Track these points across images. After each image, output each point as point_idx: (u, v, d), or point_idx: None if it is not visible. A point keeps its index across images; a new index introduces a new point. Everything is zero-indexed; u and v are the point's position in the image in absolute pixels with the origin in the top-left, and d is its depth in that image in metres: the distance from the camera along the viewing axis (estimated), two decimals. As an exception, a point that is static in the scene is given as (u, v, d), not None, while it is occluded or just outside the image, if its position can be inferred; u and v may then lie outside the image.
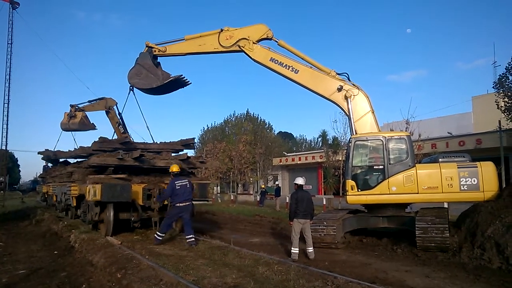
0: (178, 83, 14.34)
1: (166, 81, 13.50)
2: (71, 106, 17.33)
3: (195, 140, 13.39)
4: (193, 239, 9.80)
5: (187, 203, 9.94)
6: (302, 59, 12.54)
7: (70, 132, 17.99)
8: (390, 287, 5.98)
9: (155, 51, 13.65)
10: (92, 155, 11.87)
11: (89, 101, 17.65)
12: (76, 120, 17.13)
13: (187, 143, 13.12)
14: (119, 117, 17.06)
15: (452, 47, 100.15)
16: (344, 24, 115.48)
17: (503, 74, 24.64)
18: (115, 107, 17.31)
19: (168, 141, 13.22)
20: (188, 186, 10.04)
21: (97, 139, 11.97)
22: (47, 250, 10.27)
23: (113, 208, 10.60)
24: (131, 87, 14.09)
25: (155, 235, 10.03)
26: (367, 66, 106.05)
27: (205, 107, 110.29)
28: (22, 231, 13.66)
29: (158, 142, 13.21)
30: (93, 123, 18.04)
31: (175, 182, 9.98)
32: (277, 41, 12.86)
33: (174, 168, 10.41)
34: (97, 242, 9.69)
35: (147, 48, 13.64)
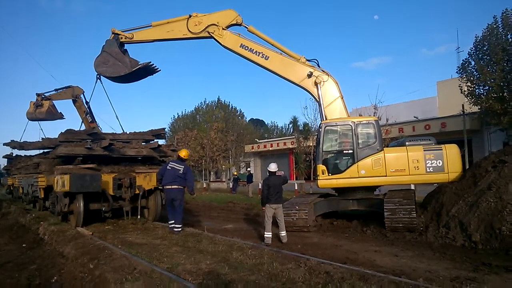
0: (147, 70, 14.08)
1: (135, 69, 13.21)
2: (37, 95, 16.79)
3: (166, 129, 13.24)
4: (180, 229, 9.66)
5: (173, 187, 9.70)
6: (272, 45, 12.58)
7: (37, 121, 17.47)
8: (360, 267, 6.15)
9: (121, 38, 13.33)
10: (59, 146, 11.55)
11: (56, 90, 17.13)
12: (43, 110, 16.64)
13: (157, 133, 12.95)
14: (86, 106, 16.62)
15: (415, 33, 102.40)
16: (309, 12, 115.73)
17: (465, 59, 25.36)
18: (82, 95, 16.86)
19: (138, 131, 13.02)
20: (181, 172, 9.73)
21: (64, 130, 11.66)
22: (14, 243, 10.00)
23: (83, 198, 10.40)
24: (98, 76, 13.72)
25: (169, 226, 9.81)
26: (332, 54, 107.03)
27: (175, 95, 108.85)
28: (-13, 225, 13.22)
29: (128, 132, 12.97)
30: (60, 112, 17.57)
31: (169, 162, 9.97)
32: (247, 27, 12.81)
33: (181, 153, 10.27)
34: (67, 234, 9.51)
35: (113, 35, 13.29)
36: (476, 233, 8.10)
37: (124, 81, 14.22)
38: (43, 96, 16.80)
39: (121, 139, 12.23)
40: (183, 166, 9.90)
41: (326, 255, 7.54)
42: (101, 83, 14.02)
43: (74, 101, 17.05)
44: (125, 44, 13.62)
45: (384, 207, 9.96)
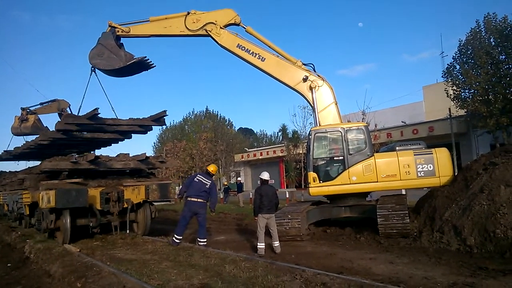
0: (142, 65, 13.68)
1: (129, 62, 12.82)
2: (22, 109, 16.39)
3: (166, 113, 12.48)
4: (205, 243, 9.62)
5: (199, 200, 9.58)
6: (269, 47, 12.52)
7: (22, 136, 17.08)
8: (357, 276, 6.02)
9: (118, 31, 13.03)
10: (55, 140, 11.22)
11: (41, 104, 16.78)
12: (28, 124, 16.24)
13: (158, 118, 12.46)
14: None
15: (399, 40, 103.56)
16: (292, 20, 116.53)
17: (450, 63, 25.78)
18: (68, 109, 16.54)
19: (137, 118, 12.46)
20: (207, 186, 9.65)
21: (63, 115, 11.28)
22: (-1, 263, 9.68)
23: (69, 214, 10.10)
24: (92, 68, 13.23)
25: (173, 238, 9.67)
26: (318, 61, 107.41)
27: (163, 106, 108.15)
28: (-30, 245, 12.81)
29: (128, 118, 12.42)
30: (46, 127, 17.17)
31: (197, 175, 9.85)
32: (245, 28, 12.75)
33: (210, 168, 10.33)
34: (54, 251, 9.19)
35: (110, 28, 13.01)
36: (471, 236, 8.04)
37: (118, 74, 13.85)
38: (28, 110, 16.42)
39: (122, 124, 11.96)
40: (210, 181, 9.83)
41: (321, 265, 7.40)
42: (96, 76, 13.46)
43: (60, 115, 16.70)
44: (121, 38, 13.33)
45: (377, 213, 9.86)
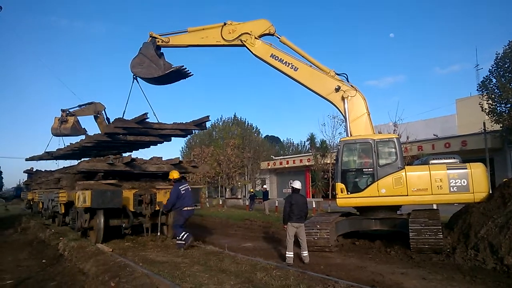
0: (180, 73, 14.09)
1: (168, 71, 13.30)
2: (62, 110, 17.01)
3: (208, 118, 12.78)
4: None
5: (192, 207, 10.22)
6: (302, 57, 12.60)
7: (60, 137, 17.66)
8: (389, 290, 5.95)
9: (158, 41, 13.56)
10: (99, 143, 11.61)
11: (79, 106, 17.37)
12: (68, 125, 16.84)
13: (200, 123, 12.77)
14: (107, 122, 16.79)
15: (430, 52, 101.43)
16: (324, 30, 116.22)
17: (486, 76, 25.05)
18: (103, 112, 17.05)
19: (180, 122, 12.84)
20: (190, 190, 10.32)
21: (113, 119, 11.65)
22: (34, 259, 9.99)
23: (103, 214, 10.40)
24: (134, 76, 13.78)
25: (176, 242, 10.08)
26: (346, 70, 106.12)
27: (191, 111, 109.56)
28: (7, 240, 13.30)
29: (172, 123, 12.75)
30: (84, 128, 17.71)
31: (179, 187, 10.14)
32: (279, 38, 12.91)
33: (175, 175, 10.55)
34: (87, 250, 9.47)
35: (150, 38, 13.57)
36: (508, 256, 7.77)
37: (158, 83, 14.34)
38: (67, 112, 17.03)
39: (166, 128, 12.33)
40: (187, 185, 10.47)
41: (351, 277, 7.32)
42: (138, 83, 13.99)
43: (96, 117, 17.22)
44: (161, 48, 13.81)
45: (409, 228, 9.66)
